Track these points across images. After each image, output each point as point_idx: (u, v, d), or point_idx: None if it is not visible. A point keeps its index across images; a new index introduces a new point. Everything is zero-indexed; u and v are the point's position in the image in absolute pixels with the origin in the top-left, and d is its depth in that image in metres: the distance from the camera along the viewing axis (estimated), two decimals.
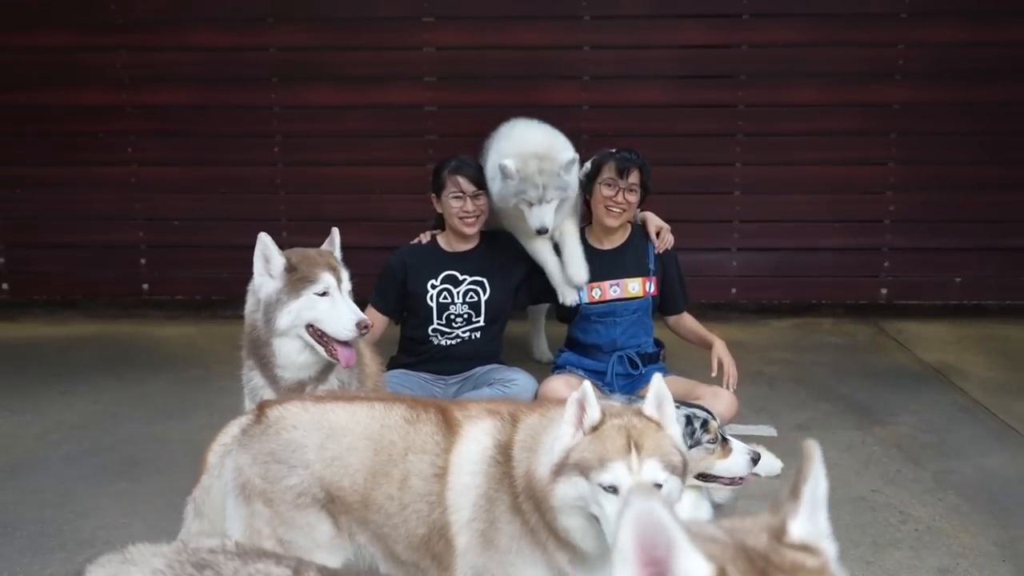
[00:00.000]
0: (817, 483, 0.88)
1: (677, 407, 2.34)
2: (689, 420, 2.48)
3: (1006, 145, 5.43)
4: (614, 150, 3.67)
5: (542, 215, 3.44)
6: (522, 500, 1.89)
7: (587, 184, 3.68)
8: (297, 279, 2.63)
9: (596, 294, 3.70)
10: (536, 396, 3.46)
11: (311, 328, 2.65)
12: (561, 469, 1.81)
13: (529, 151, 3.45)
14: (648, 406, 1.86)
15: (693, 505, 2.50)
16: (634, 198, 3.61)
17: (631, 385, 3.62)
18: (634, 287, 3.71)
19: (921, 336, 5.19)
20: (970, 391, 4.28)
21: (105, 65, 5.45)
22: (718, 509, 2.62)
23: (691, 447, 2.42)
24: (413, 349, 3.72)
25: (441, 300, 3.65)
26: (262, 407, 2.14)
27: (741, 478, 2.57)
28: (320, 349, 2.66)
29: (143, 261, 5.70)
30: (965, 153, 5.44)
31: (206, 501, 2.15)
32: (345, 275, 2.74)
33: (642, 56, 5.41)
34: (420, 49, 5.41)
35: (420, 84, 5.44)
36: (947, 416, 4.00)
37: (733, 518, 0.89)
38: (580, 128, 5.05)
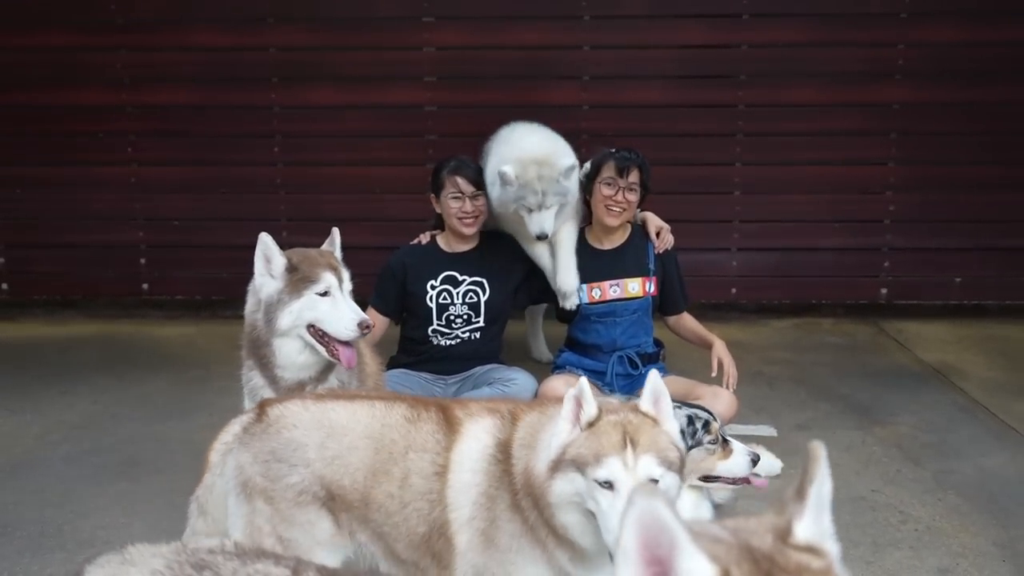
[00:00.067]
0: (823, 485, 0.87)
1: (679, 407, 2.35)
2: (691, 420, 2.47)
3: (1006, 145, 5.43)
4: (614, 149, 3.67)
5: (542, 221, 3.42)
6: (521, 498, 1.89)
7: (587, 184, 3.67)
8: (298, 279, 2.63)
9: (596, 294, 3.70)
10: (536, 396, 3.46)
11: (312, 328, 2.65)
12: (558, 465, 1.81)
13: (528, 157, 3.42)
14: (644, 402, 1.86)
15: (694, 505, 2.50)
16: (634, 197, 3.61)
17: (631, 385, 3.61)
18: (634, 287, 3.71)
19: (921, 336, 5.19)
20: (970, 391, 4.28)
21: (105, 65, 5.45)
22: (718, 509, 2.62)
23: (692, 448, 2.42)
24: (413, 349, 3.72)
25: (441, 301, 3.65)
26: (263, 406, 2.15)
27: (745, 479, 2.56)
28: (321, 349, 2.66)
29: (143, 261, 5.70)
30: (965, 153, 5.44)
31: (209, 499, 2.16)
32: (346, 275, 2.74)
33: (642, 56, 5.41)
34: (420, 49, 5.41)
35: (420, 84, 5.44)
36: (947, 416, 4.00)
37: (737, 518, 0.89)
38: (580, 128, 5.06)
